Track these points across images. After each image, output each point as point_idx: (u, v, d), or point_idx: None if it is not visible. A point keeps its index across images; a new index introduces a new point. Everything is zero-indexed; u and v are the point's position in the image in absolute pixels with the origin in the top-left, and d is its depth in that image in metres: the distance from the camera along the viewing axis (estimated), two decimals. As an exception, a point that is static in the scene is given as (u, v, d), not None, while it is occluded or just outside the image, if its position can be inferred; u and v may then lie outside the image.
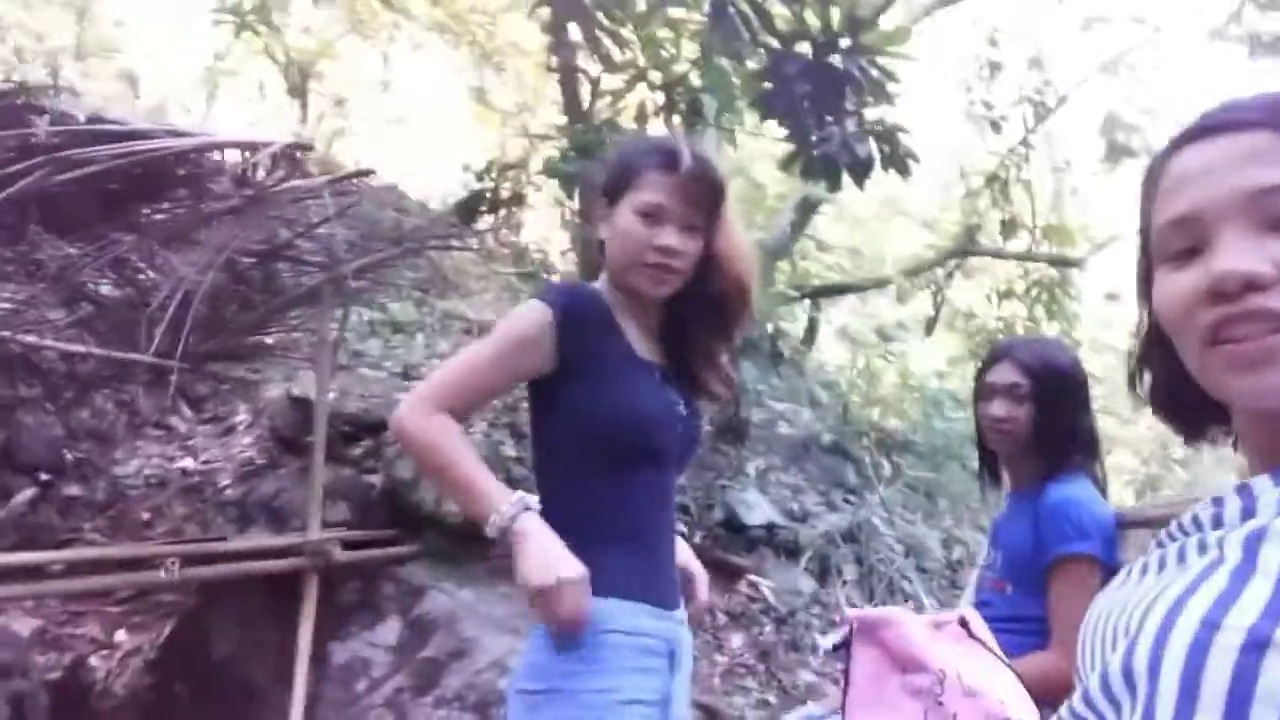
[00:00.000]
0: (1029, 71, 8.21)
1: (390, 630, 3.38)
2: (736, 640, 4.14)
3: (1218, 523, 0.64)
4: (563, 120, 5.59)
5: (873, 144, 4.16)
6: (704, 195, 1.48)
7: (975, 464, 5.54)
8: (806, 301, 7.86)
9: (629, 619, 1.40)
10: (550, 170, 4.25)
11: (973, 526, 6.68)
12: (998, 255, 7.97)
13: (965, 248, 7.69)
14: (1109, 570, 1.90)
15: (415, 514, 3.70)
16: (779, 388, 7.20)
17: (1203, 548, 0.62)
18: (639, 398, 1.48)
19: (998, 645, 1.37)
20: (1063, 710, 0.68)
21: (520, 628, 3.14)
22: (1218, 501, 0.67)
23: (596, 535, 1.40)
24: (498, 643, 3.22)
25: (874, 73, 3.94)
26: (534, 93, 10.10)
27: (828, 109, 3.98)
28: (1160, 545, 0.73)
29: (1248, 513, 0.62)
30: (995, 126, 7.91)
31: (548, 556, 1.34)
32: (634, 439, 1.46)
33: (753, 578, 4.50)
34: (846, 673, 1.23)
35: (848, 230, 11.44)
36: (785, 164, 4.39)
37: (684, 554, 1.69)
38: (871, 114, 4.23)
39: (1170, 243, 0.66)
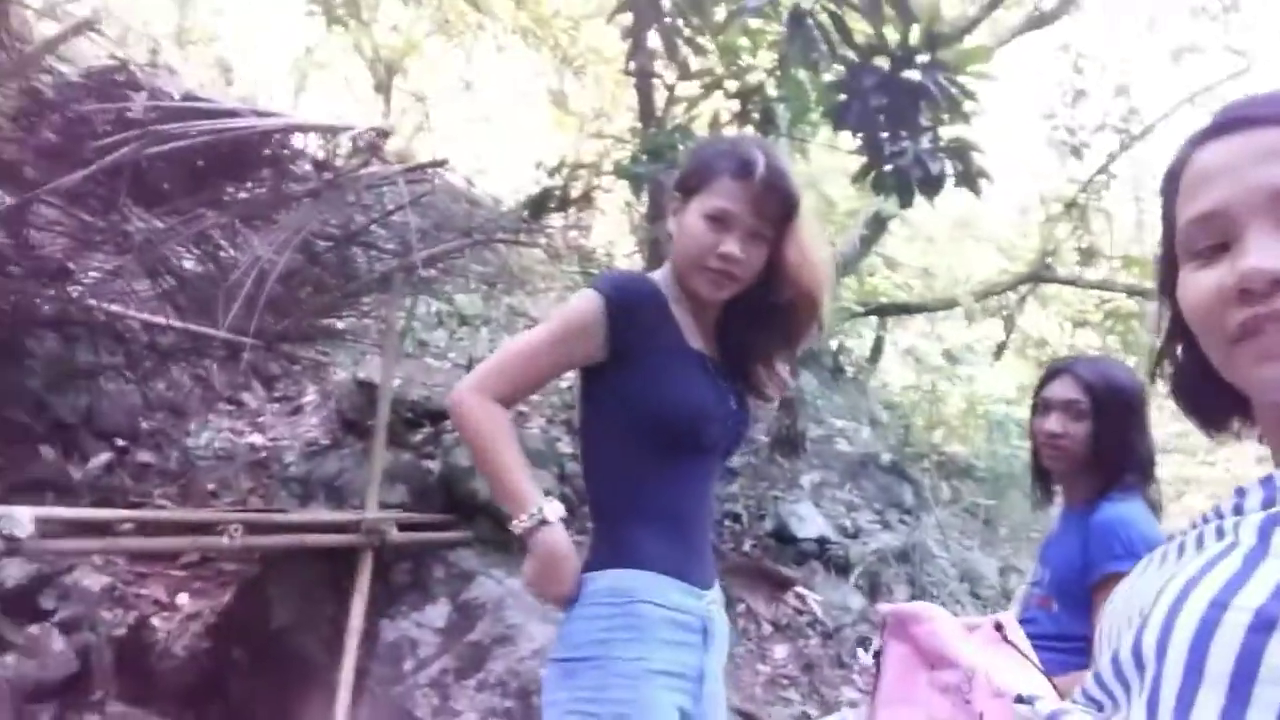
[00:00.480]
0: (1114, 99, 8.03)
1: (439, 612, 3.45)
2: (780, 651, 4.12)
3: (1238, 511, 0.65)
4: (637, 126, 5.65)
5: (946, 161, 4.12)
6: (774, 205, 1.49)
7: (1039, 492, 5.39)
8: (873, 319, 7.79)
9: (663, 593, 1.43)
10: (620, 171, 4.31)
11: (1031, 557, 6.53)
12: (1073, 283, 7.80)
13: (1039, 274, 7.54)
14: None
15: (469, 501, 3.77)
16: (840, 404, 7.15)
17: (1220, 534, 0.62)
18: (688, 388, 1.50)
19: (1038, 658, 1.36)
20: (1076, 692, 0.69)
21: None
22: (1240, 492, 0.67)
23: (637, 514, 1.43)
24: (541, 631, 3.27)
25: (951, 89, 3.91)
26: (612, 99, 10.20)
27: (902, 124, 3.95)
28: (1182, 533, 0.73)
29: (1269, 502, 0.62)
30: (1076, 153, 7.74)
31: (547, 575, 1.45)
32: (681, 428, 1.48)
33: (801, 590, 4.47)
34: (878, 666, 1.23)
35: (920, 250, 11.30)
36: (857, 177, 4.37)
37: None
38: (947, 132, 4.19)
39: (1195, 240, 0.66)
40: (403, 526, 3.52)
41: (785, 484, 5.34)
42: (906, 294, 8.40)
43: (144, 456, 4.73)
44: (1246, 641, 0.52)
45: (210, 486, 4.62)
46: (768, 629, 4.21)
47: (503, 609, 3.39)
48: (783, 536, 4.77)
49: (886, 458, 6.41)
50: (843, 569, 4.81)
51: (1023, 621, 2.01)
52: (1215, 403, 0.72)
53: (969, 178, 4.20)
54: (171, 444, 4.87)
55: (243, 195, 3.14)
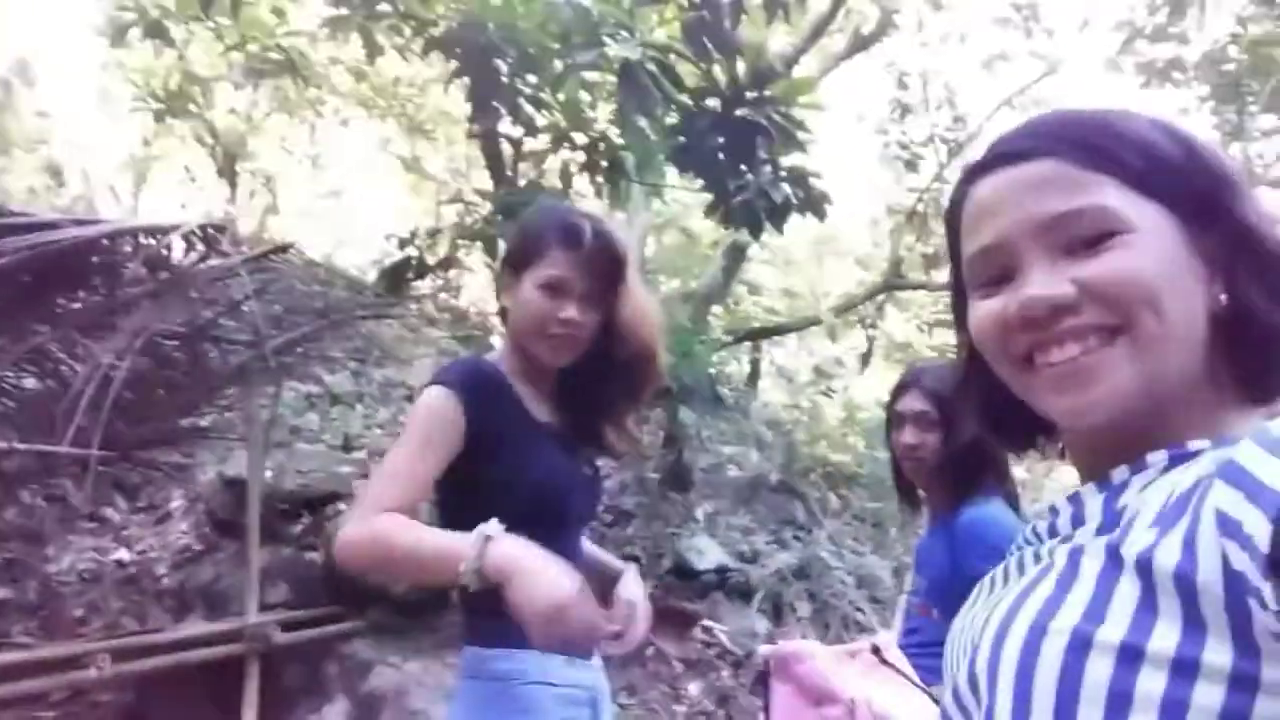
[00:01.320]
0: (939, 110, 8.53)
1: (338, 710, 3.32)
2: (694, 688, 4.13)
3: (1052, 532, 0.69)
4: (488, 189, 5.66)
5: (787, 189, 4.28)
6: (605, 268, 1.54)
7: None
8: (747, 344, 7.98)
9: (549, 670, 1.42)
10: (473, 234, 4.30)
11: (922, 555, 6.77)
12: (923, 287, 8.18)
13: (891, 282, 7.88)
14: None
15: (358, 589, 3.64)
16: (724, 431, 7.26)
17: (1037, 558, 0.66)
18: (546, 465, 1.51)
19: (913, 670, 1.41)
20: None
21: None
22: (1054, 510, 0.71)
23: None
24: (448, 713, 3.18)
25: (783, 122, 4.08)
26: (465, 159, 10.19)
27: (741, 159, 4.09)
28: (1015, 550, 0.78)
29: (1077, 520, 0.66)
30: (910, 165, 8.18)
31: (542, 576, 1.26)
32: (544, 506, 1.48)
33: (707, 623, 4.50)
34: (766, 709, 1.26)
35: (782, 272, 11.66)
36: (707, 213, 4.50)
37: (630, 587, 1.66)
38: (786, 161, 4.36)
39: (979, 272, 0.70)
40: (289, 626, 3.38)
41: (680, 519, 5.37)
42: (774, 316, 8.64)
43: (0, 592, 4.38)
44: (1066, 663, 0.55)
45: (78, 613, 4.32)
46: (679, 668, 4.21)
47: (405, 696, 3.29)
48: (684, 572, 4.79)
49: (775, 478, 6.54)
50: (745, 595, 4.87)
51: (908, 631, 2.08)
52: (1017, 423, 0.77)
53: (811, 203, 4.38)
54: (29, 574, 4.53)
55: (75, 306, 2.98)
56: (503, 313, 1.62)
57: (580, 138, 4.84)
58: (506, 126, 5.34)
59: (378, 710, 3.26)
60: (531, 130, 5.06)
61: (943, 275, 8.21)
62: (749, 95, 3.95)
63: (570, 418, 1.61)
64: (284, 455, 4.77)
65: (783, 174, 4.29)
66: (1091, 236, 0.64)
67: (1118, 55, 8.69)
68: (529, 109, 4.81)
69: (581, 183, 5.02)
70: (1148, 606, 0.54)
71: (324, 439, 5.57)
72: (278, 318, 3.44)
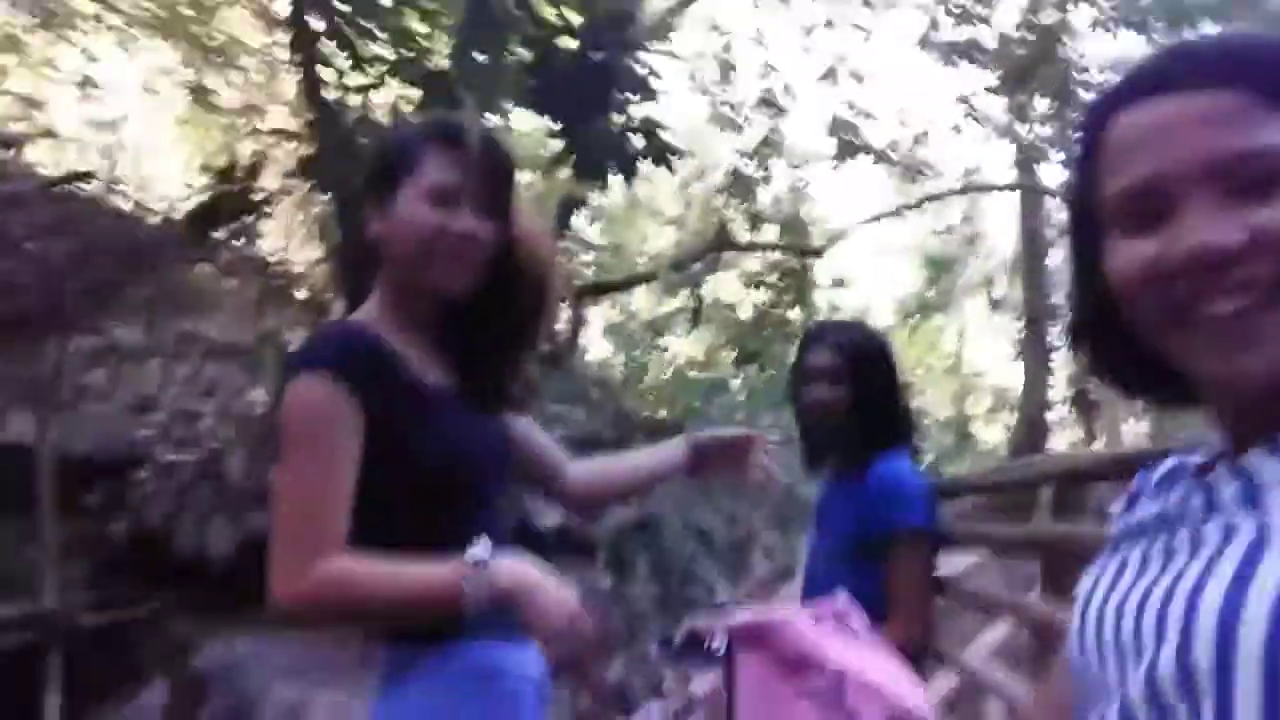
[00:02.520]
0: (763, 76, 8.68)
1: (157, 695, 2.97)
2: (540, 651, 4.02)
3: (1212, 506, 0.61)
4: (297, 122, 5.20)
5: (639, 141, 4.18)
6: (496, 172, 1.30)
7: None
8: (571, 302, 7.86)
9: (496, 662, 1.25)
10: (308, 170, 3.92)
11: (750, 506, 6.96)
12: (748, 248, 8.36)
13: (718, 242, 8.00)
14: (935, 536, 1.98)
15: (172, 562, 3.27)
16: (553, 390, 7.14)
17: (1229, 532, 0.58)
18: (450, 440, 1.28)
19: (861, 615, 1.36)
20: None
21: (316, 675, 2.85)
22: (1205, 486, 0.64)
23: None
24: (288, 692, 2.91)
25: (638, 68, 3.96)
26: (262, 92, 9.37)
27: (595, 105, 3.94)
28: (1129, 538, 0.70)
29: (1246, 489, 0.59)
30: (736, 126, 8.29)
31: (550, 591, 1.16)
32: (455, 488, 1.27)
33: (551, 583, 4.39)
34: (730, 682, 1.16)
35: (601, 230, 11.61)
36: (555, 162, 4.32)
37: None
38: (636, 111, 4.25)
39: (1126, 211, 0.61)
40: (94, 607, 2.98)
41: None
42: (600, 273, 8.58)
43: None
44: None
45: None
46: (525, 631, 4.09)
47: (236, 676, 2.99)
48: (523, 533, 4.65)
49: (607, 434, 6.51)
50: (588, 551, 4.80)
51: (812, 590, 2.06)
52: (1142, 375, 0.69)
53: (661, 155, 4.30)
54: None
55: None
56: (370, 252, 1.32)
57: (413, 72, 4.51)
58: (328, 57, 4.92)
59: (204, 693, 2.94)
60: (358, 62, 4.67)
61: (767, 236, 8.42)
62: (606, 37, 3.80)
63: (465, 373, 1.37)
64: (71, 418, 4.22)
65: (634, 124, 4.18)
66: (1263, 179, 0.57)
67: (927, 31, 9.13)
68: (354, 36, 4.42)
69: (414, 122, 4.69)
70: None
71: (115, 399, 4.99)
72: (75, 257, 2.98)
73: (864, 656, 1.15)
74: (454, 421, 1.29)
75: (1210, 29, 8.39)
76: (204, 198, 4.71)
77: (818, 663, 1.11)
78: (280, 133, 6.53)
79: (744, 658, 1.15)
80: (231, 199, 4.92)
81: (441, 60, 4.51)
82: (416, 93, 4.56)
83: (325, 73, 4.95)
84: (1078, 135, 0.68)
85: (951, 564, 3.04)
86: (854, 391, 1.93)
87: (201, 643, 3.10)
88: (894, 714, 1.07)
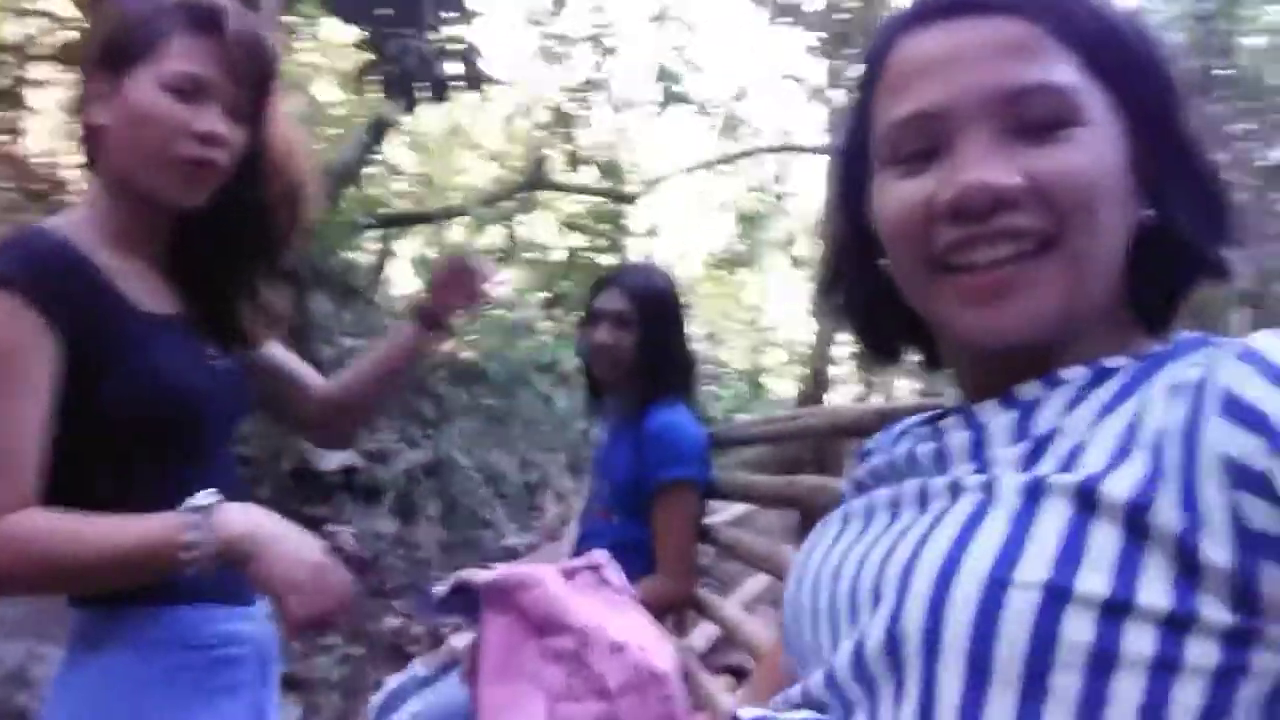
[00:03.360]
0: (591, 12, 8.50)
1: None
2: (315, 595, 3.83)
3: (941, 458, 0.59)
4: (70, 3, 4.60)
5: (452, 63, 3.97)
6: (255, 69, 1.12)
7: (546, 389, 5.68)
8: (377, 231, 7.48)
9: (208, 627, 1.11)
10: (71, 55, 3.45)
11: (544, 449, 6.94)
12: (565, 189, 8.24)
13: (535, 180, 7.82)
14: (704, 487, 2.00)
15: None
16: (351, 322, 6.79)
17: (956, 489, 0.55)
18: (171, 371, 1.11)
19: (619, 568, 1.33)
20: (778, 699, 0.59)
21: (44, 630, 2.57)
22: (938, 432, 0.61)
23: None
24: (12, 651, 2.62)
25: (453, -14, 3.73)
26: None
27: (407, 20, 3.69)
28: (861, 487, 0.67)
29: (978, 443, 0.57)
30: (560, 60, 8.10)
31: (290, 543, 1.02)
32: (177, 426, 1.10)
33: (331, 527, 4.19)
34: (476, 644, 1.09)
35: (415, 159, 11.11)
36: (363, 76, 4.03)
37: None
38: (450, 32, 4.03)
39: (899, 143, 0.58)
40: None
41: (301, 414, 4.94)
42: (409, 204, 8.21)
43: None
44: (1038, 622, 0.46)
45: None
46: (299, 575, 3.89)
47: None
48: (305, 473, 4.42)
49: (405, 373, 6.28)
50: (373, 495, 4.62)
51: (585, 535, 2.03)
52: (893, 328, 0.66)
53: (473, 80, 4.11)
54: None
55: None
56: (88, 139, 1.12)
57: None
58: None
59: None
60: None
61: (582, 177, 8.31)
62: (419, -53, 3.55)
63: (193, 297, 1.19)
64: None
65: (446, 45, 3.96)
66: (1045, 120, 0.54)
67: (755, -13, 9.22)
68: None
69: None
70: (1131, 552, 0.46)
71: None
72: None
73: (613, 615, 1.10)
74: (171, 353, 1.11)
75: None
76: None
77: (563, 623, 1.05)
78: (51, 14, 5.77)
79: (491, 618, 1.08)
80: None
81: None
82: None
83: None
84: (863, 57, 0.63)
85: (726, 511, 3.13)
86: (640, 337, 1.91)
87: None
88: (640, 673, 1.04)
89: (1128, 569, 0.46)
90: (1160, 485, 0.47)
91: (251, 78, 1.12)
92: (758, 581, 2.87)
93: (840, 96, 9.32)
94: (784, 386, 12.91)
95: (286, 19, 4.26)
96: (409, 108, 4.00)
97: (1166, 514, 0.46)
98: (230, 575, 1.13)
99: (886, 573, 0.54)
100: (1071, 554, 0.47)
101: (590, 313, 2.00)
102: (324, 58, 8.18)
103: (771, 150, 10.34)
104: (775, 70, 9.35)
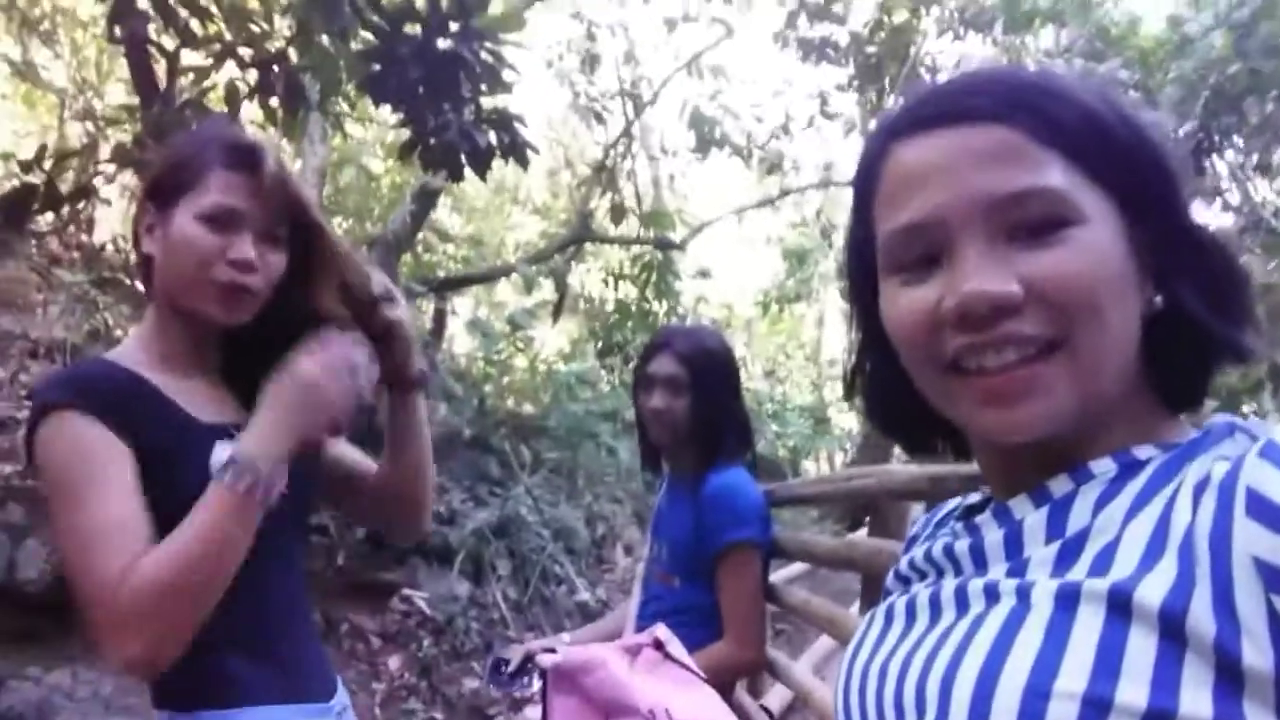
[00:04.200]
0: (624, 66, 8.66)
1: (-46, 741, 2.70)
2: (395, 662, 3.89)
3: (978, 556, 0.60)
4: (134, 101, 4.84)
5: (491, 133, 4.06)
6: (289, 199, 1.20)
7: (608, 440, 5.69)
8: (431, 294, 7.65)
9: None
10: (122, 157, 3.64)
11: (610, 500, 6.96)
12: (609, 240, 8.33)
13: (580, 234, 7.94)
14: (767, 548, 1.99)
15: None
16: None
17: (992, 592, 0.56)
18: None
19: (680, 644, 1.34)
20: None
21: (135, 705, 2.65)
22: (972, 530, 0.62)
23: (212, 641, 1.07)
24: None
25: (488, 59, 3.84)
26: (97, 70, 8.72)
27: (443, 95, 3.80)
28: (903, 580, 0.68)
29: (1013, 541, 0.58)
30: (599, 118, 8.24)
31: (287, 401, 1.10)
32: None
33: (406, 591, 4.26)
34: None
35: (464, 219, 11.36)
36: (403, 153, 4.15)
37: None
38: (487, 102, 4.13)
39: (901, 251, 0.59)
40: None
41: (370, 482, 5.03)
42: (461, 265, 8.38)
43: None
44: None
45: None
46: (377, 643, 3.95)
47: (50, 714, 2.75)
48: (378, 539, 4.49)
49: (468, 433, 6.36)
50: (444, 558, 4.68)
51: (647, 599, 2.04)
52: (917, 422, 0.67)
53: (516, 149, 4.20)
54: None
55: None
56: (144, 268, 1.20)
57: (250, 54, 4.26)
58: (158, 34, 4.59)
59: (12, 735, 2.70)
60: (189, 40, 4.38)
61: (626, 229, 8.41)
62: (453, 25, 3.66)
63: (253, 404, 1.19)
64: None
65: (485, 116, 4.06)
66: (1039, 223, 0.55)
67: (784, 30, 9.31)
68: (184, 13, 4.13)
69: (252, 108, 4.43)
70: (1169, 660, 0.46)
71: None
72: None
73: (678, 694, 1.12)
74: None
75: (1047, 34, 8.89)
76: (26, 181, 4.30)
77: (629, 705, 1.07)
78: (108, 119, 6.08)
79: (557, 699, 1.11)
80: (50, 186, 4.53)
81: (280, 44, 4.28)
82: (253, 76, 4.32)
83: (156, 52, 4.63)
84: (858, 162, 0.65)
85: (789, 567, 3.08)
86: (695, 402, 1.91)
87: (9, 678, 2.83)
88: (707, 753, 1.05)
89: (1166, 678, 0.45)
90: (1194, 589, 0.47)
91: (287, 207, 1.19)
92: (825, 641, 2.80)
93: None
94: (845, 420, 12.78)
95: (330, 103, 4.43)
96: (454, 178, 4.10)
97: (1203, 619, 0.46)
98: (300, 670, 1.18)
99: (929, 680, 0.54)
100: (1109, 664, 0.47)
101: (642, 378, 1.99)
102: (369, 132, 8.45)
103: (813, 186, 10.35)
104: (809, 108, 9.36)
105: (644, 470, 2.10)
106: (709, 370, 1.93)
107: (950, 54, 9.27)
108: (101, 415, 1.06)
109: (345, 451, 1.39)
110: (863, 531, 3.44)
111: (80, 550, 1.03)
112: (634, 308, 8.65)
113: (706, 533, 1.87)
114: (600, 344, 8.65)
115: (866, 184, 0.63)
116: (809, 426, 11.19)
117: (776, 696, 2.16)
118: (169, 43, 4.52)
